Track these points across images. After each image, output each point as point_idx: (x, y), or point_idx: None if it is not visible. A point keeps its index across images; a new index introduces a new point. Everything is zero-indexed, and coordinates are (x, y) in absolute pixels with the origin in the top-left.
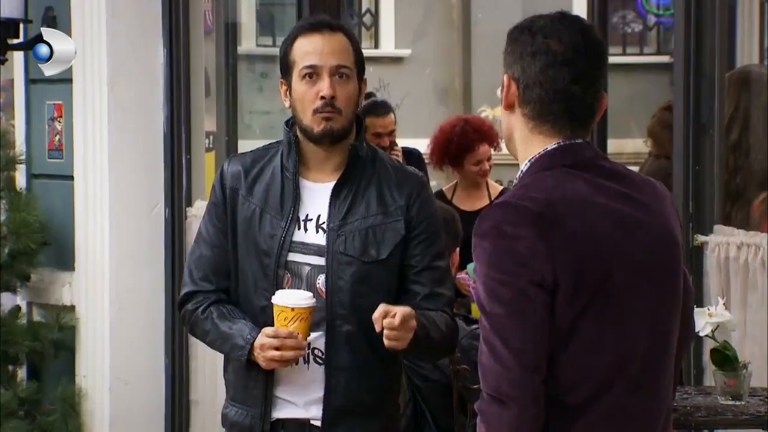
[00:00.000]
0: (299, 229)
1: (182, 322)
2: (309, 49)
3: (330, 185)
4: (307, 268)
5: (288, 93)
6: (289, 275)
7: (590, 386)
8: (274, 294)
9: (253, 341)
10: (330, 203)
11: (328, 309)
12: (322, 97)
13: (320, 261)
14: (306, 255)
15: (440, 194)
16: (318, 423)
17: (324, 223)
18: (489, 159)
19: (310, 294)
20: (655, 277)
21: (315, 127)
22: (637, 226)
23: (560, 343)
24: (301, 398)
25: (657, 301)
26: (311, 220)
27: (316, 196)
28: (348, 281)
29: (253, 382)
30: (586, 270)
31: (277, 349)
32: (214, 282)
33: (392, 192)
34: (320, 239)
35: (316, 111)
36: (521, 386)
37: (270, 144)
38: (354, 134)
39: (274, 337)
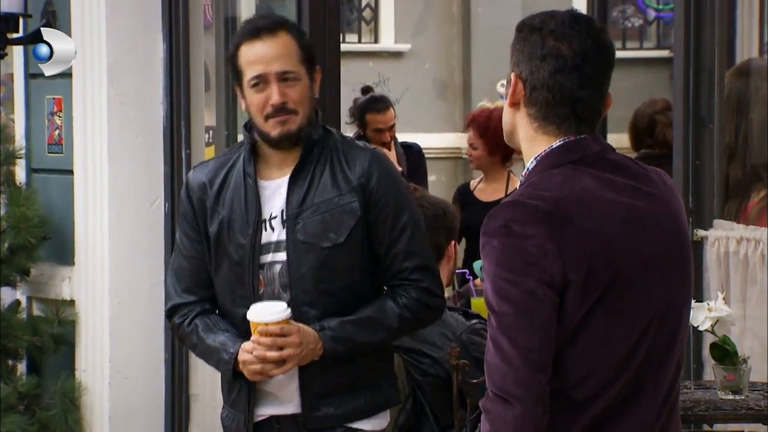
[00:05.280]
0: (266, 230)
1: (172, 332)
2: (253, 58)
3: (288, 178)
4: (278, 266)
5: (243, 97)
6: (262, 278)
7: (598, 380)
8: (252, 302)
9: (236, 355)
10: (287, 194)
11: (293, 299)
12: (272, 105)
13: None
14: (276, 253)
15: (466, 186)
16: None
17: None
18: None
19: (284, 305)
20: (666, 269)
21: (271, 131)
22: (646, 219)
23: (569, 338)
24: (285, 389)
25: (669, 293)
26: (275, 217)
27: (278, 193)
28: (310, 269)
29: (238, 384)
30: (596, 267)
31: None
32: (197, 293)
33: (345, 171)
34: (285, 233)
35: (268, 117)
36: (526, 386)
37: (231, 147)
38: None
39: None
